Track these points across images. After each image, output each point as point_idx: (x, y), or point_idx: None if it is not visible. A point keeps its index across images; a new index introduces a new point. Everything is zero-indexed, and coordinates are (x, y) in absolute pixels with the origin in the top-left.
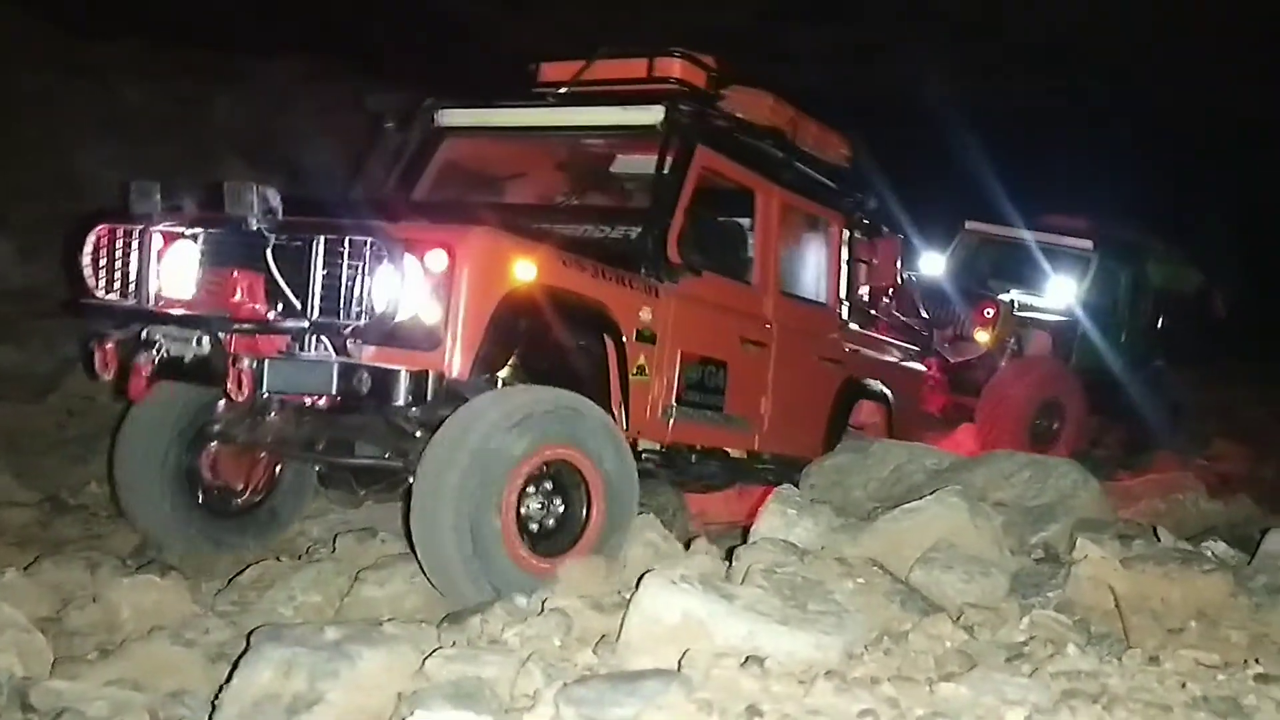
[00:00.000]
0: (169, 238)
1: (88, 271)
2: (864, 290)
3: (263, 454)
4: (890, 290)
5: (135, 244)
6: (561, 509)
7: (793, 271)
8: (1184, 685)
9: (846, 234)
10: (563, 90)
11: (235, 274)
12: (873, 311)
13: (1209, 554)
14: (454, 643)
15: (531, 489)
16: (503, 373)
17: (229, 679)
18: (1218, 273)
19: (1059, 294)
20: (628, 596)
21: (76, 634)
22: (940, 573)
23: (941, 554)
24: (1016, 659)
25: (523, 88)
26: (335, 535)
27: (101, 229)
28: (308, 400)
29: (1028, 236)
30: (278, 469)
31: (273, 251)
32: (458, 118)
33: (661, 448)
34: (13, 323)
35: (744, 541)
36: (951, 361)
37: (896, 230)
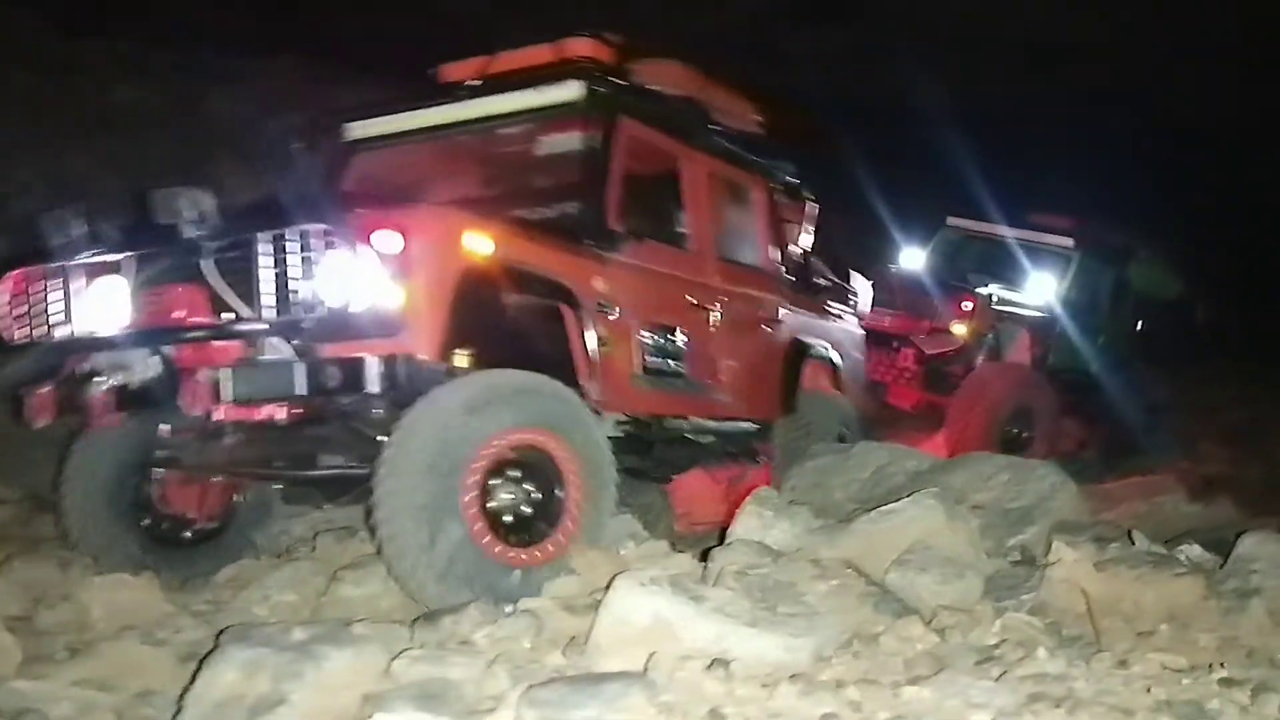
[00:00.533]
0: (96, 269)
1: (4, 323)
2: (796, 253)
3: (216, 479)
4: (816, 253)
5: (58, 283)
6: (535, 495)
7: (727, 237)
8: (1149, 689)
9: (771, 198)
10: (473, 83)
11: (175, 289)
12: (808, 274)
13: (1183, 558)
14: (423, 644)
15: (500, 477)
16: (464, 360)
17: (193, 679)
18: (1202, 281)
19: (1039, 291)
20: (600, 598)
21: (46, 633)
22: (915, 575)
23: (917, 556)
24: (987, 662)
25: (426, 89)
26: (316, 534)
27: (14, 275)
28: (261, 416)
29: (1009, 233)
30: (234, 497)
31: (213, 258)
32: (367, 129)
33: (632, 419)
34: None
35: (722, 542)
36: (927, 353)
37: (816, 196)
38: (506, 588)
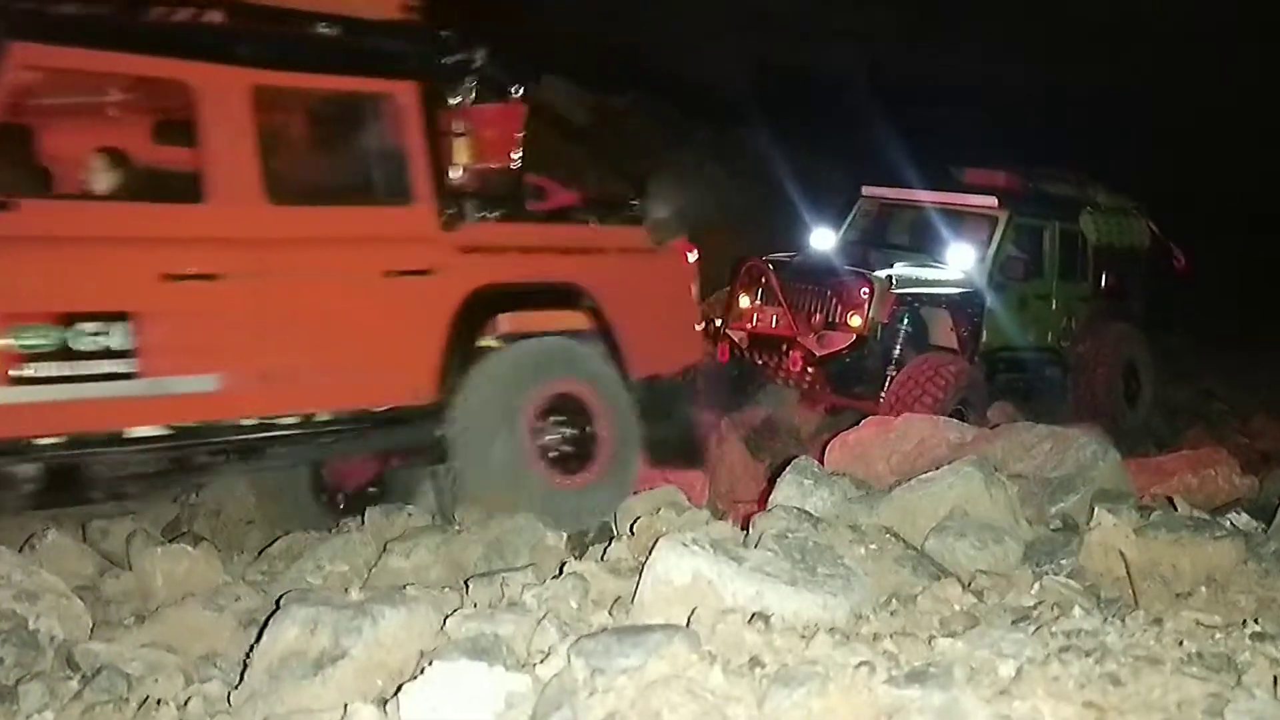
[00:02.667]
0: None
1: None
2: (494, 171)
3: None
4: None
5: None
6: None
7: (305, 170)
8: (1181, 643)
9: (424, 103)
10: None
11: None
12: (521, 196)
13: (1227, 523)
14: (474, 604)
15: None
16: None
17: (259, 637)
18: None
19: (960, 263)
20: (644, 561)
21: (112, 601)
22: (954, 540)
23: (955, 522)
24: (1023, 621)
25: None
26: (364, 508)
27: None
28: None
29: (928, 199)
30: None
31: None
32: None
33: None
34: None
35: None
36: (817, 354)
37: (519, 92)
38: None
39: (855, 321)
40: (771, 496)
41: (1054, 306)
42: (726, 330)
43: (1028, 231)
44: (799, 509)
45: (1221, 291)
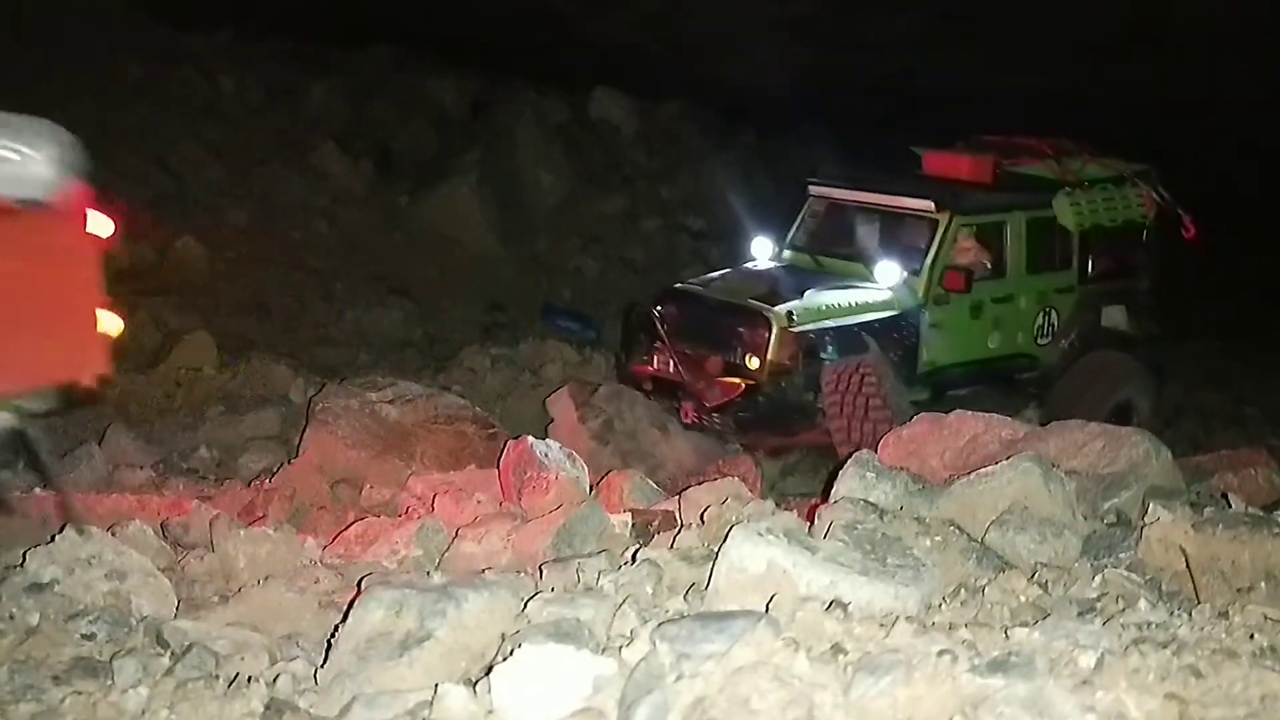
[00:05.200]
0: None
1: None
2: None
3: None
4: None
5: None
6: None
7: None
8: (1252, 636)
9: None
10: None
11: None
12: None
13: None
14: (552, 588)
15: None
16: None
17: (344, 618)
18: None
19: (888, 279)
20: (716, 549)
21: (196, 581)
22: (1014, 533)
23: (1015, 516)
24: (1089, 612)
25: None
26: (434, 495)
27: None
28: None
29: (866, 200)
30: None
31: None
32: None
33: None
34: (120, 299)
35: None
36: (709, 404)
37: None
38: None
39: (754, 364)
40: (835, 489)
41: (1021, 306)
42: (632, 370)
43: (980, 229)
44: (864, 501)
45: (1255, 296)
